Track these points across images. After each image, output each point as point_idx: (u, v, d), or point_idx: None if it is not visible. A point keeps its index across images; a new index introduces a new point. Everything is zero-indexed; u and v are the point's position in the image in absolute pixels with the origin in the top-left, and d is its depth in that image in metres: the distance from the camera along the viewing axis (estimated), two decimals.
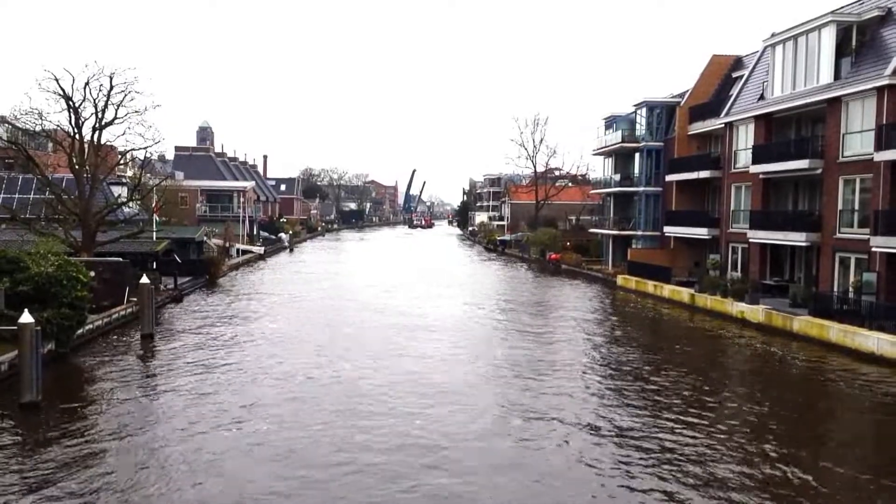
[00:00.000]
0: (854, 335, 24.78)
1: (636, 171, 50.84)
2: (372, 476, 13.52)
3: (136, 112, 34.79)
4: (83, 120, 34.01)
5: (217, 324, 30.33)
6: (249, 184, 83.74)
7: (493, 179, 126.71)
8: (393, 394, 19.17)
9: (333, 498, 12.65)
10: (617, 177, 53.91)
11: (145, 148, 37.04)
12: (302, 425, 16.43)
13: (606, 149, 54.69)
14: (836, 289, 29.06)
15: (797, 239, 31.01)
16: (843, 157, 29.13)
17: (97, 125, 34.49)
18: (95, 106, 34.11)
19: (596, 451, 15.09)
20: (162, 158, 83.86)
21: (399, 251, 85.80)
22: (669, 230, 44.20)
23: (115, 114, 34.54)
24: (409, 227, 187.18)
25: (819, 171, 30.42)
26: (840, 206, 29.28)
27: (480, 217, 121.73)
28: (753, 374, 23.58)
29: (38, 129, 34.68)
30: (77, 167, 34.07)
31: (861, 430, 17.52)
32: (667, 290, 39.22)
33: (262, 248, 70.97)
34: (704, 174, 40.18)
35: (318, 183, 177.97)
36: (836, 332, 25.64)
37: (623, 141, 50.60)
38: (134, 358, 23.71)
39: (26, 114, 33.71)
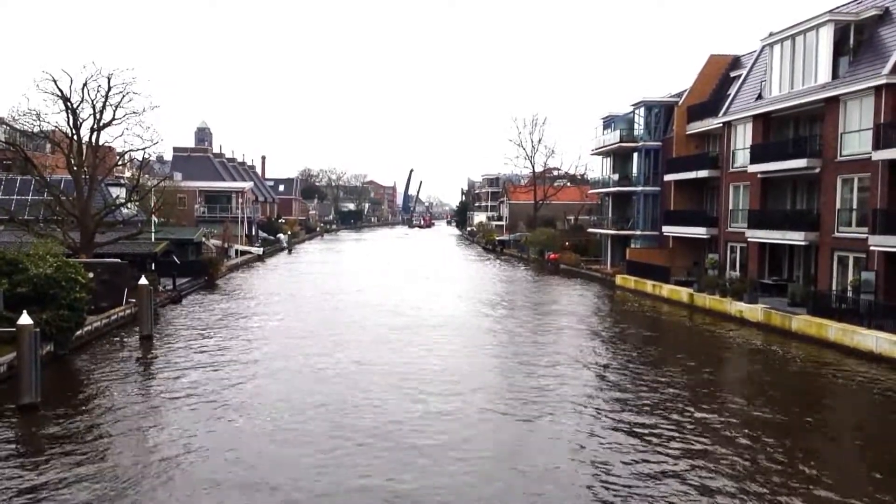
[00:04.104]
0: (853, 334, 24.80)
1: (634, 170, 50.87)
2: (361, 463, 13.56)
3: (134, 113, 34.84)
4: (81, 121, 34.01)
5: (216, 324, 30.32)
6: (248, 184, 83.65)
7: (491, 179, 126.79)
8: (387, 392, 19.19)
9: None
10: (615, 176, 53.94)
11: (143, 149, 37.11)
12: (303, 425, 16.43)
13: (605, 149, 54.72)
14: (834, 288, 29.09)
15: (795, 238, 31.04)
16: (841, 156, 29.15)
17: (95, 126, 34.46)
18: (93, 107, 34.10)
19: (595, 446, 15.12)
20: (160, 159, 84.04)
21: (398, 252, 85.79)
22: (668, 230, 44.22)
23: (114, 115, 34.57)
24: (409, 227, 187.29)
25: (817, 170, 30.44)
26: (838, 206, 29.31)
27: (479, 217, 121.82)
28: (753, 372, 23.59)
29: (36, 130, 34.67)
30: (75, 168, 34.03)
31: (861, 428, 17.54)
32: (665, 289, 39.24)
33: (261, 249, 70.95)
34: (703, 174, 40.22)
35: (317, 183, 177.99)
36: (834, 330, 25.66)
37: (621, 141, 50.64)
38: (133, 359, 23.69)
39: (24, 115, 33.74)
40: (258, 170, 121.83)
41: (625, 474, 13.79)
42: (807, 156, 30.62)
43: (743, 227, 35.60)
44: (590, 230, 61.54)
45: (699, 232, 40.30)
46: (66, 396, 18.96)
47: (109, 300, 29.26)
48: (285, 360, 23.30)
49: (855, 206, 28.64)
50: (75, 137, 34.08)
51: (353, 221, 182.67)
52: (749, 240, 34.80)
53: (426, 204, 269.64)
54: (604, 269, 52.77)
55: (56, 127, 34.97)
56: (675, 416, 17.45)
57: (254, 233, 79.19)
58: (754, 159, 34.32)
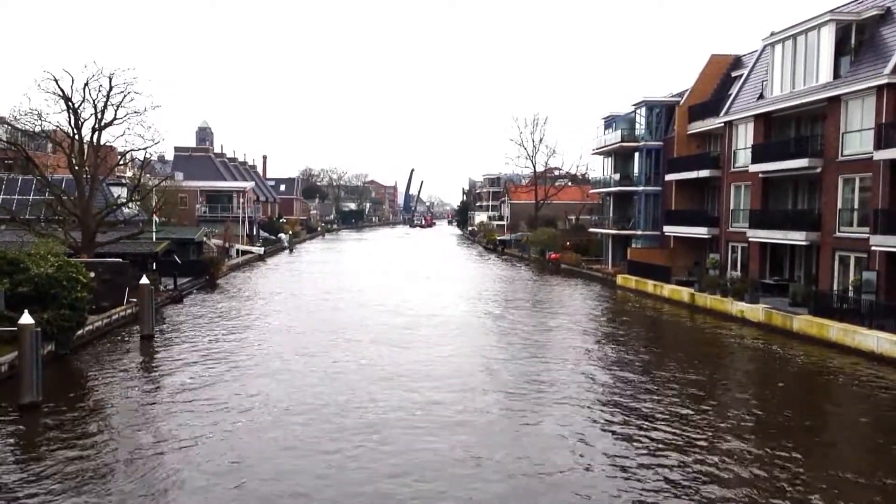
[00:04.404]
0: (854, 334, 24.78)
1: (635, 170, 50.84)
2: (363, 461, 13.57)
3: (135, 112, 34.84)
4: (83, 120, 34.01)
5: (217, 324, 30.34)
6: (249, 184, 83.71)
7: (492, 179, 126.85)
8: (389, 392, 19.20)
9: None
10: (616, 176, 53.90)
11: (145, 148, 37.07)
12: (304, 427, 16.45)
13: (606, 148, 54.69)
14: (835, 288, 29.07)
15: (797, 238, 31.02)
16: (842, 155, 29.13)
17: (96, 126, 34.48)
18: (95, 106, 34.11)
19: (597, 447, 15.13)
20: (161, 159, 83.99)
21: (399, 251, 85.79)
22: (669, 229, 44.20)
23: (115, 114, 34.56)
24: (410, 226, 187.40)
25: (818, 170, 30.42)
26: (839, 205, 29.28)
27: (480, 217, 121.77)
28: (754, 372, 23.59)
29: (37, 129, 34.67)
30: (76, 168, 34.05)
31: (861, 428, 17.51)
32: (667, 289, 39.22)
33: (262, 249, 70.97)
34: (704, 173, 40.18)
35: (318, 183, 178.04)
36: (835, 330, 25.64)
37: (622, 140, 50.60)
38: (134, 359, 23.71)
39: (26, 114, 33.76)
40: (259, 169, 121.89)
41: (626, 476, 13.79)
42: (808, 155, 30.60)
43: (744, 226, 35.57)
44: (591, 230, 61.52)
45: (700, 232, 40.29)
46: (68, 396, 18.97)
47: (110, 300, 29.29)
48: (286, 360, 23.30)
49: (856, 206, 28.61)
50: (76, 137, 34.11)
51: (355, 221, 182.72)
52: (750, 240, 34.78)
53: (427, 204, 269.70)
54: (605, 268, 52.76)
55: (57, 126, 35.00)
56: (674, 417, 17.44)
57: (255, 232, 79.24)
58: (755, 159, 34.30)
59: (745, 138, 36.53)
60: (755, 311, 30.69)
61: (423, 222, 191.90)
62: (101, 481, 13.17)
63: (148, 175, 45.63)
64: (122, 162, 42.38)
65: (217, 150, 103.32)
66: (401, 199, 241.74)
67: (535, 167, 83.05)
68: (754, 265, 34.93)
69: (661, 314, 35.44)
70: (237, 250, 64.06)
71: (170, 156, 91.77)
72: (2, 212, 35.34)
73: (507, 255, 77.42)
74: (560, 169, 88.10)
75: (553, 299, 40.71)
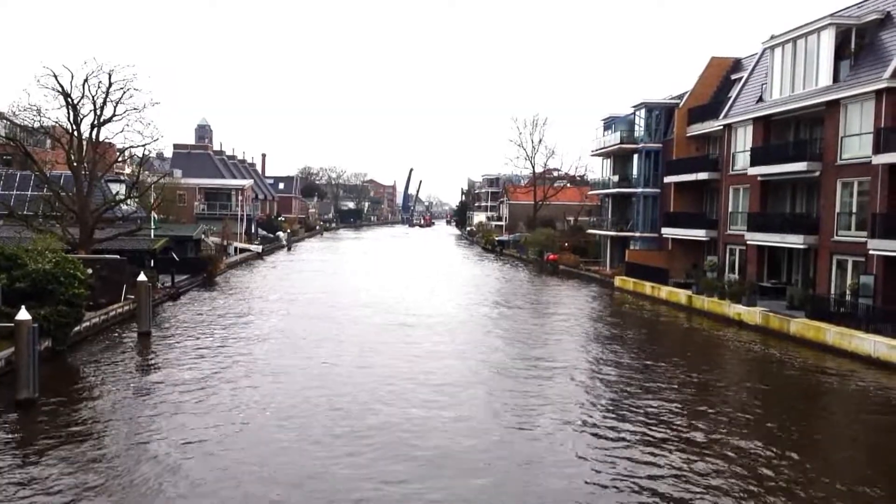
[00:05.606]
0: (851, 338, 24.80)
1: (634, 172, 50.88)
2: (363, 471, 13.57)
3: (134, 109, 34.84)
4: (82, 117, 34.02)
5: (214, 321, 30.31)
6: (248, 182, 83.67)
7: (491, 180, 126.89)
8: (387, 391, 19.20)
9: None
10: (615, 178, 53.93)
11: (144, 145, 37.01)
12: (303, 428, 16.44)
13: (605, 150, 54.73)
14: (833, 291, 29.11)
15: (795, 241, 31.05)
16: (841, 159, 29.17)
17: (96, 122, 34.47)
18: (94, 103, 34.10)
19: (592, 446, 15.13)
20: (160, 156, 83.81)
21: (397, 251, 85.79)
22: (667, 232, 44.24)
23: (114, 111, 34.60)
24: (409, 226, 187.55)
25: (817, 173, 30.46)
26: (838, 209, 29.32)
27: (479, 217, 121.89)
28: (750, 375, 23.58)
29: (36, 125, 34.64)
30: (75, 164, 34.03)
31: (857, 433, 17.53)
32: (664, 291, 39.24)
33: (260, 247, 70.93)
34: (703, 176, 40.25)
35: (317, 182, 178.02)
36: (832, 334, 25.66)
37: (622, 142, 50.64)
38: (131, 355, 23.67)
39: (25, 110, 33.71)
40: (258, 167, 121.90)
41: (623, 481, 13.79)
42: (807, 159, 30.64)
43: (742, 229, 35.61)
44: (589, 231, 61.54)
45: (699, 234, 40.33)
46: (64, 392, 18.93)
47: (108, 296, 29.24)
48: (283, 358, 23.28)
49: (854, 210, 28.65)
50: (75, 133, 34.08)
51: (353, 220, 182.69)
52: (748, 242, 34.81)
53: (426, 203, 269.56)
54: (603, 270, 52.78)
55: (56, 123, 34.98)
56: (670, 420, 17.42)
57: (253, 230, 79.20)
58: (754, 162, 34.34)
59: (744, 141, 36.56)
60: (752, 313, 30.72)
61: (422, 222, 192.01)
62: (97, 478, 13.13)
63: (146, 172, 45.59)
64: (120, 158, 42.29)
65: (216, 147, 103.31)
66: (399, 199, 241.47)
67: (534, 168, 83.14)
68: (752, 268, 34.96)
69: (659, 316, 35.44)
70: (235, 248, 64.02)
71: (169, 153, 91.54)
72: (0, 207, 35.28)
73: (505, 256, 77.40)
74: (559, 170, 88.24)
75: (550, 300, 40.70)
